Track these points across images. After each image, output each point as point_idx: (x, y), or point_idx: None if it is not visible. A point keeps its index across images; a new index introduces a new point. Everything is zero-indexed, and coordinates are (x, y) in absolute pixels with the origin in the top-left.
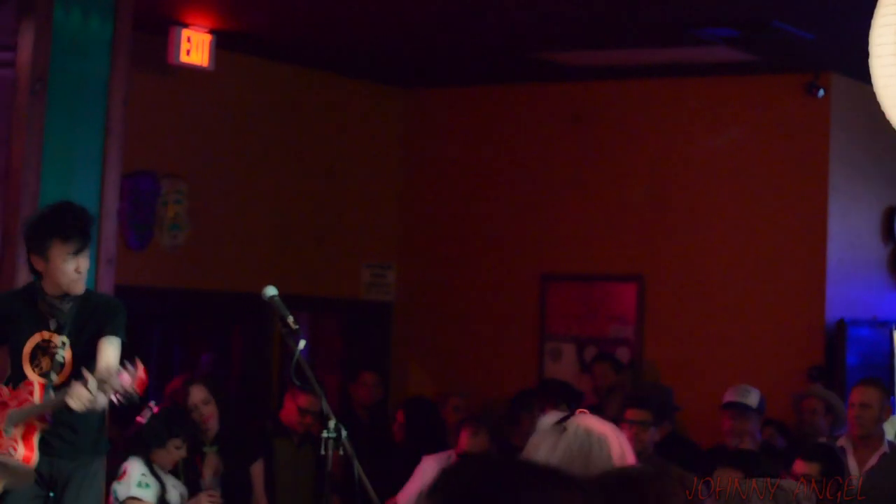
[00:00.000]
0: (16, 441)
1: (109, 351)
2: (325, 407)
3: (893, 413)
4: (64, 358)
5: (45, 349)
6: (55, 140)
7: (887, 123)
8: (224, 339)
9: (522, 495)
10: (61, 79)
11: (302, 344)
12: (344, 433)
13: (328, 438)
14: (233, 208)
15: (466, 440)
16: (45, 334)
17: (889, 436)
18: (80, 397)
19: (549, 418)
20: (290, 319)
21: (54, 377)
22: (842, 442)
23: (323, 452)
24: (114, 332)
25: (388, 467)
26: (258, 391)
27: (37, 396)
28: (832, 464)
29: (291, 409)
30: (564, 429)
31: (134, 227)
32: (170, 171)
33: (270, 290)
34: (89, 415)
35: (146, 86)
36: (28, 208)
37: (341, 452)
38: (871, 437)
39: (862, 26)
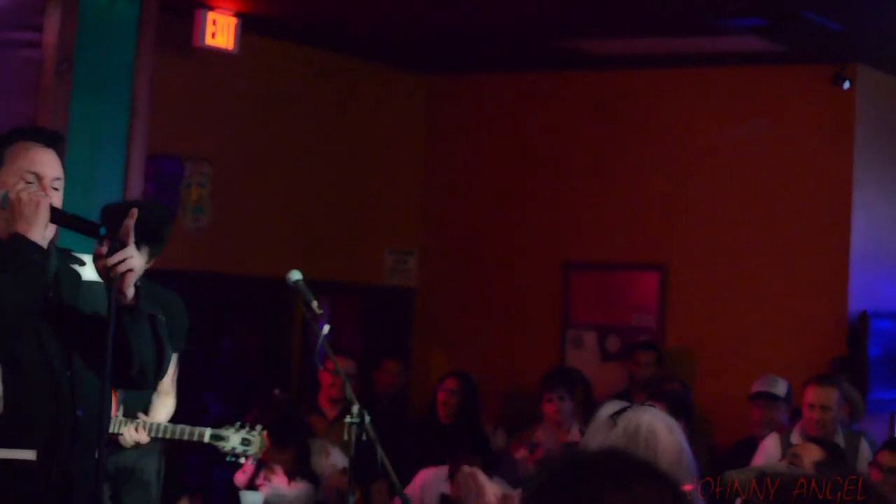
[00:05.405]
0: None
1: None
2: (349, 392)
3: None
4: None
5: None
6: (80, 121)
7: None
8: (245, 322)
9: (614, 494)
10: (87, 59)
11: (326, 328)
12: (367, 418)
13: (351, 424)
14: (256, 192)
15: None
16: None
17: None
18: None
19: (606, 409)
20: (315, 304)
21: None
22: (795, 438)
23: (346, 438)
24: None
25: (405, 453)
26: (279, 376)
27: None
28: None
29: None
30: (615, 423)
31: None
32: (194, 154)
33: (295, 275)
34: None
35: (171, 68)
36: None
37: (364, 438)
38: (827, 435)
39: (890, 19)
